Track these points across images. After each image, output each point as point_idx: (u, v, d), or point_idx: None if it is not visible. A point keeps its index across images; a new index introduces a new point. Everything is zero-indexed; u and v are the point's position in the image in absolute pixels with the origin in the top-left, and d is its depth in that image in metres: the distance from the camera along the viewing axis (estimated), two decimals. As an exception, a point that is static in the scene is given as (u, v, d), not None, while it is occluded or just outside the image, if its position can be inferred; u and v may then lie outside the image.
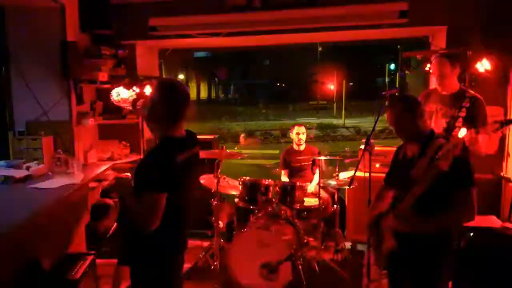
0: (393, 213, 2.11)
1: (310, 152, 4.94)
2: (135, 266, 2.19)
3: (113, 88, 4.59)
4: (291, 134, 5.06)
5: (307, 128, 5.05)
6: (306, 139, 4.99)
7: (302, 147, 4.96)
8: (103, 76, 4.56)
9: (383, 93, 3.28)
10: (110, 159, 4.71)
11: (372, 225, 2.34)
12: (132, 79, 4.63)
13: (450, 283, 3.17)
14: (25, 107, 4.35)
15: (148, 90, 4.73)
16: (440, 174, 1.88)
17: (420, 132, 2.17)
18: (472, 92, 3.27)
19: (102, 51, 4.59)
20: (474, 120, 3.17)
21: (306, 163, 4.98)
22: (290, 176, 4.99)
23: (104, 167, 4.29)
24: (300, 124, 5.06)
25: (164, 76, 5.57)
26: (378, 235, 2.30)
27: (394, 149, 2.47)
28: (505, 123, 2.82)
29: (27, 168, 3.64)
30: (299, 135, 4.91)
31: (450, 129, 3.22)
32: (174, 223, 2.14)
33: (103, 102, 5.06)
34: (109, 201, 3.35)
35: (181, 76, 29.52)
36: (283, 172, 5.03)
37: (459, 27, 4.26)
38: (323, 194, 4.42)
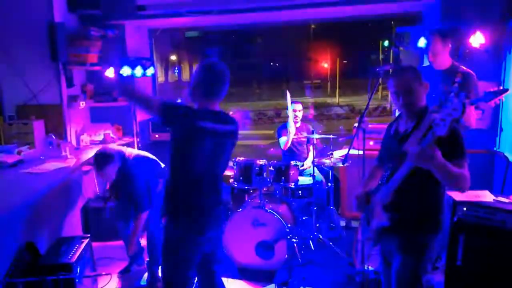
0: (385, 186, 2.09)
1: (305, 130, 4.93)
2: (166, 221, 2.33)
3: (104, 70, 4.53)
4: (287, 111, 4.99)
5: (303, 107, 5.01)
6: (302, 117, 4.96)
7: (298, 125, 4.94)
8: (92, 58, 4.47)
9: (377, 69, 3.25)
10: (103, 142, 4.67)
11: (362, 201, 2.32)
12: (121, 60, 4.55)
13: (443, 258, 3.23)
14: (14, 91, 4.28)
15: (139, 71, 4.67)
16: (435, 141, 1.80)
17: (420, 106, 2.12)
18: (464, 67, 3.26)
19: (91, 32, 4.49)
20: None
21: (301, 140, 4.96)
22: (285, 153, 4.97)
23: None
24: (297, 102, 5.02)
25: (154, 57, 5.49)
26: (368, 211, 2.29)
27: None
28: (497, 93, 2.83)
29: (19, 153, 3.61)
30: (295, 112, 4.87)
31: (442, 104, 3.22)
32: (197, 187, 2.24)
33: (94, 84, 4.99)
34: (113, 150, 3.38)
35: (172, 57, 29.12)
36: (281, 139, 4.97)
37: (453, 1, 4.20)
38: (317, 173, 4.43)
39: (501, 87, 2.94)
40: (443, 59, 3.26)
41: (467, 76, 3.19)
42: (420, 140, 1.92)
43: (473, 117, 3.10)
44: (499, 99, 2.93)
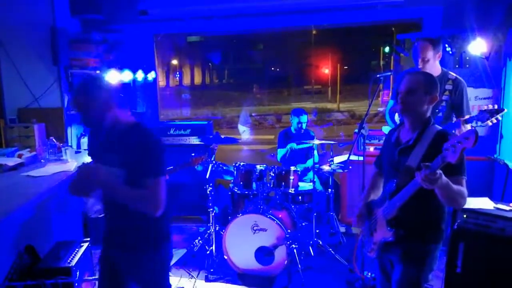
0: (390, 202, 2.08)
1: (307, 136, 4.90)
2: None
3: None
4: (291, 119, 4.93)
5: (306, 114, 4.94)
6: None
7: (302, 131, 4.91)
8: (94, 62, 4.49)
9: (378, 75, 3.26)
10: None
11: (362, 218, 2.31)
12: (123, 64, 4.57)
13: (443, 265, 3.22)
14: (15, 94, 4.29)
15: (140, 75, 4.69)
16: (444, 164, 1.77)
17: (424, 116, 2.09)
18: (453, 74, 3.26)
19: (93, 36, 4.51)
20: (458, 107, 3.18)
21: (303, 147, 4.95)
22: (287, 159, 4.96)
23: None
24: (302, 113, 4.86)
25: (155, 62, 5.50)
26: (370, 224, 2.28)
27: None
28: (493, 112, 2.84)
29: (20, 156, 3.61)
30: (300, 124, 4.83)
31: (433, 112, 3.22)
32: None
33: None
34: None
35: (174, 62, 29.21)
36: (279, 150, 4.95)
37: (454, 7, 4.22)
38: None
39: (496, 106, 2.92)
40: (433, 67, 3.23)
41: (457, 83, 3.21)
42: (423, 158, 1.94)
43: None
44: (496, 119, 2.91)
